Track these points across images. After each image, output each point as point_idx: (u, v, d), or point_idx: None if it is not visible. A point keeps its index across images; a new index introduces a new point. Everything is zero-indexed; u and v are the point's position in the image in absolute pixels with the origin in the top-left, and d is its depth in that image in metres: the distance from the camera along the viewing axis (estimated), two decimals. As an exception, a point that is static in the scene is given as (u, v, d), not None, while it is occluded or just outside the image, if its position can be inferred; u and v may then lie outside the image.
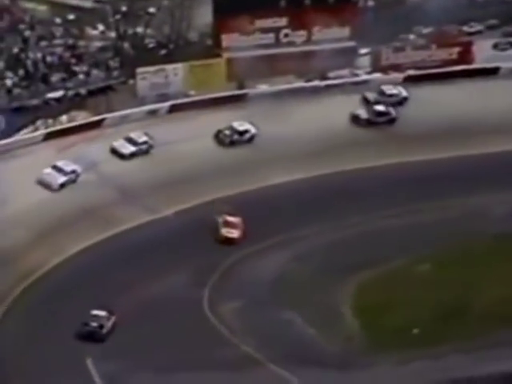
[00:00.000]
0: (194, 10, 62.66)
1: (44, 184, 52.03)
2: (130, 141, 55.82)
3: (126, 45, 62.01)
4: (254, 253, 50.91)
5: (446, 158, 58.23)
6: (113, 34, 62.43)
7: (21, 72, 58.06)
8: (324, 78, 63.29)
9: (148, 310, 46.16)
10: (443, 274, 49.31)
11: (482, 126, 59.89)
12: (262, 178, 54.85)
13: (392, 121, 60.62)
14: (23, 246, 48.77)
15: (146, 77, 59.71)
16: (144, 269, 48.05)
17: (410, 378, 43.82)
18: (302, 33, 63.00)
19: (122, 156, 55.16)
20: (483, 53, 65.42)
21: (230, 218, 51.03)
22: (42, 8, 62.74)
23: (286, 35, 62.86)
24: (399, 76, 64.44)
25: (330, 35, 62.96)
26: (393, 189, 54.62)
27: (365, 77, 64.11)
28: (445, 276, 49.13)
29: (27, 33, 60.20)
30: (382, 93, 61.95)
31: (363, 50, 64.30)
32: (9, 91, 56.98)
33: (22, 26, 60.61)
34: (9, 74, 57.68)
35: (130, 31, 62.42)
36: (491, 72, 64.98)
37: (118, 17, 62.53)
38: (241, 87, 61.95)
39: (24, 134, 56.23)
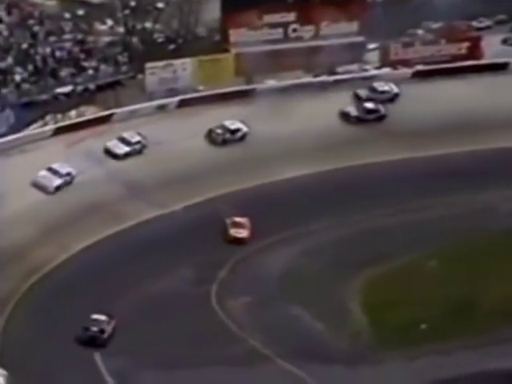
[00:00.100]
0: (202, 5, 62.61)
1: (39, 187, 51.66)
2: (124, 141, 55.51)
3: (135, 40, 62.00)
4: (261, 249, 51.01)
5: (453, 153, 58.13)
6: (121, 29, 62.39)
7: (30, 67, 58.09)
8: (332, 73, 63.23)
9: (156, 305, 46.21)
10: (451, 270, 49.28)
11: (490, 121, 59.78)
12: (261, 176, 54.72)
13: (381, 118, 60.40)
14: (31, 242, 48.89)
15: (155, 72, 59.72)
16: (151, 265, 48.24)
17: (418, 374, 43.83)
18: (311, 28, 62.91)
19: (115, 156, 54.86)
20: (492, 48, 65.27)
21: (238, 219, 51.20)
22: (51, 3, 62.75)
23: (295, 30, 62.79)
24: (408, 71, 64.34)
25: (338, 30, 62.88)
26: (400, 185, 54.60)
27: (373, 72, 64.03)
28: (452, 272, 49.09)
29: (36, 28, 60.21)
30: (373, 89, 61.69)
31: (372, 45, 64.19)
32: (18, 86, 57.03)
33: (31, 21, 60.59)
34: (18, 69, 57.73)
35: (139, 26, 62.40)
36: (500, 67, 64.84)
37: (126, 12, 62.52)
38: (249, 82, 61.94)
39: (33, 129, 56.34)
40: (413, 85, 62.90)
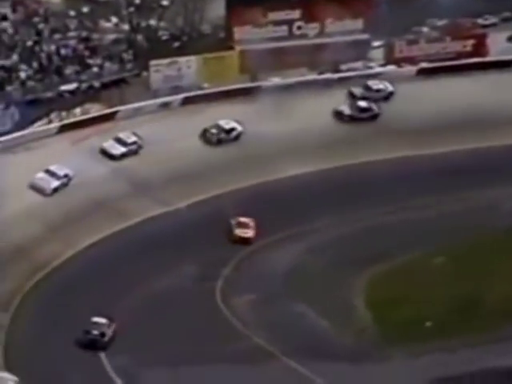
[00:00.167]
0: (206, 3, 62.64)
1: (37, 189, 51.44)
2: (120, 141, 55.34)
3: (140, 37, 62.03)
4: (265, 246, 51.03)
5: (459, 150, 58.11)
6: (126, 27, 62.42)
7: (35, 64, 58.13)
8: (337, 70, 63.19)
9: (160, 302, 46.25)
10: (455, 267, 49.23)
11: (495, 118, 59.73)
12: (263, 174, 54.70)
13: (375, 117, 60.26)
14: (37, 240, 48.96)
15: (160, 69, 59.74)
16: (155, 262, 48.28)
17: (422, 372, 43.80)
18: (315, 25, 62.91)
19: (112, 157, 54.70)
20: (497, 45, 65.19)
21: (243, 219, 51.22)
22: (56, 0, 62.79)
23: (299, 28, 62.79)
24: (412, 69, 64.27)
25: (343, 28, 62.87)
26: (404, 183, 54.60)
27: (378, 69, 63.96)
28: (457, 270, 49.04)
29: (41, 25, 60.25)
30: (368, 88, 61.57)
31: (377, 43, 64.16)
32: (23, 84, 57.08)
33: (36, 19, 60.64)
34: (23, 66, 57.78)
35: (144, 24, 62.41)
36: (505, 64, 64.71)
37: (131, 9, 62.55)
38: (254, 80, 61.91)
39: (38, 127, 56.39)
40: (417, 82, 62.85)
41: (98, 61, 59.84)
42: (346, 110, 60.18)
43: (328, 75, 62.85)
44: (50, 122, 56.70)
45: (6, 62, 57.41)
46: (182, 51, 61.22)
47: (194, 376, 42.70)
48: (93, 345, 42.89)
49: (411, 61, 64.71)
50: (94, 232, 50.06)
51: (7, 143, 54.40)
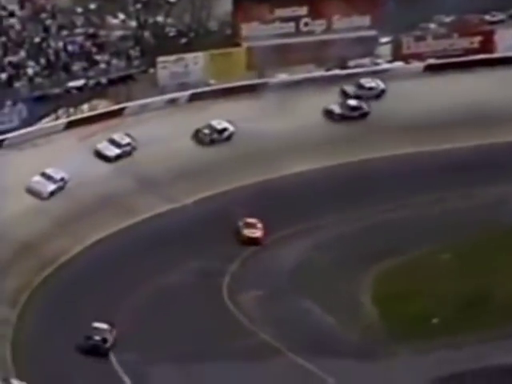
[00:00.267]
0: (213, -1, 62.76)
1: (33, 192, 51.20)
2: (114, 143, 55.20)
3: (147, 34, 62.09)
4: (272, 242, 51.05)
5: (464, 147, 58.03)
6: (133, 23, 62.50)
7: (42, 61, 58.23)
8: (344, 67, 63.13)
9: (167, 298, 46.32)
10: (462, 264, 49.17)
11: (502, 114, 59.64)
12: (267, 172, 54.80)
13: (364, 115, 60.05)
14: (44, 235, 49.09)
15: (167, 66, 59.79)
16: (162, 258, 48.35)
17: (429, 368, 43.75)
18: (322, 22, 62.88)
19: (106, 158, 54.52)
20: (505, 42, 65.06)
21: (250, 219, 51.23)
22: (64, -3, 62.96)
23: (306, 24, 62.76)
24: (420, 65, 64.17)
25: (350, 24, 62.82)
26: (411, 179, 54.61)
27: (385, 66, 63.90)
28: (464, 266, 48.97)
29: (49, 22, 60.33)
30: (360, 86, 61.36)
31: (384, 39, 64.07)
32: (30, 80, 57.18)
33: (43, 15, 60.72)
34: (30, 62, 57.88)
35: (151, 20, 62.47)
36: (513, 61, 64.67)
37: (138, 6, 62.61)
38: (261, 76, 61.91)
39: (46, 123, 56.50)
40: (424, 79, 62.77)
41: (106, 57, 59.90)
42: (337, 108, 59.93)
43: (335, 71, 62.82)
44: (58, 118, 56.80)
45: (14, 59, 57.50)
46: (188, 48, 61.25)
47: (200, 372, 42.68)
48: (95, 350, 42.48)
49: (419, 57, 64.63)
50: (101, 228, 50.15)
51: (15, 140, 54.50)
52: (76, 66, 58.79)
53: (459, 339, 44.82)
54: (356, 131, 59.04)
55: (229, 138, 57.42)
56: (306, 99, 59.20)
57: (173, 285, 47.32)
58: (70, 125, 56.47)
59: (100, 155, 54.72)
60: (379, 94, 61.31)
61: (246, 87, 60.35)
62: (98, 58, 59.72)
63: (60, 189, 51.78)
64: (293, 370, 43.57)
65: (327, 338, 45.41)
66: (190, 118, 57.73)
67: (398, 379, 43.04)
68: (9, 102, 55.15)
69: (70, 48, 59.31)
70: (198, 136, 57.29)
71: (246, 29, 61.76)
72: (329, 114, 59.96)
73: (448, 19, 66.80)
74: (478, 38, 65.26)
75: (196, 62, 60.50)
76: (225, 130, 57.43)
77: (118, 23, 62.48)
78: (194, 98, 59.68)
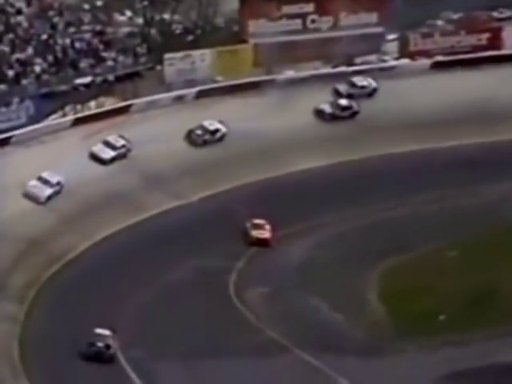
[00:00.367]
0: (220, -4, 62.75)
1: (30, 197, 50.91)
2: (109, 145, 55.02)
3: (154, 31, 62.13)
4: (279, 240, 51.09)
5: (470, 144, 57.96)
6: (140, 21, 62.54)
7: (50, 58, 58.32)
8: (351, 64, 63.09)
9: (174, 295, 46.40)
10: (468, 260, 49.14)
11: (508, 111, 59.53)
12: (272, 169, 54.82)
13: (354, 114, 59.89)
14: (53, 232, 49.22)
15: (173, 63, 59.82)
16: (169, 254, 48.41)
17: (435, 365, 43.75)
18: (329, 18, 62.83)
19: (101, 161, 54.35)
20: (513, 39, 64.97)
21: (257, 220, 51.25)
22: (70, -6, 63.01)
23: (313, 21, 62.72)
24: (427, 62, 64.10)
25: (357, 21, 62.77)
26: (415, 176, 54.60)
27: (392, 63, 63.84)
28: (470, 263, 48.94)
29: (56, 19, 60.39)
30: (352, 84, 61.25)
31: (391, 36, 63.99)
32: (38, 77, 57.27)
33: (50, 13, 60.79)
34: (38, 60, 57.98)
35: (157, 17, 62.49)
36: (520, 58, 64.51)
37: (145, 3, 62.64)
38: (268, 73, 61.90)
39: (53, 120, 56.61)
40: (431, 76, 62.70)
41: (112, 54, 59.96)
42: (328, 108, 59.78)
43: (342, 68, 62.78)
44: (65, 115, 56.90)
45: (21, 56, 57.60)
46: (195, 45, 61.26)
47: (207, 369, 42.69)
48: (98, 357, 42.07)
49: (426, 54, 64.53)
50: (108, 225, 50.25)
51: (22, 136, 54.62)
52: (83, 63, 58.86)
53: (465, 336, 44.77)
54: (357, 129, 58.95)
55: (221, 138, 57.23)
56: (311, 96, 59.19)
57: (179, 282, 47.36)
58: (77, 122, 56.55)
59: (95, 158, 54.42)
60: (371, 93, 61.15)
61: (252, 84, 60.34)
62: (104, 55, 59.79)
63: (57, 193, 51.51)
64: (299, 367, 43.61)
65: (333, 334, 45.43)
66: (196, 115, 57.75)
67: (405, 376, 43.01)
68: (16, 99, 55.25)
69: (77, 45, 59.38)
70: (190, 137, 56.98)
71: (253, 26, 61.75)
72: (319, 113, 59.73)
73: (455, 16, 66.64)
74: (485, 35, 65.08)
75: (203, 58, 60.52)
76: (217, 130, 57.21)
77: (124, 20, 62.53)
78: (200, 94, 59.72)
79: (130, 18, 62.67)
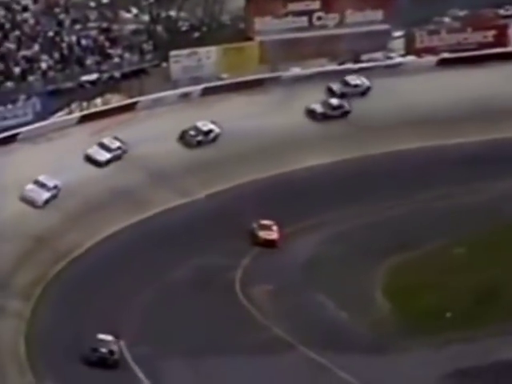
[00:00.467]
0: (226, -7, 62.77)
1: (27, 201, 50.56)
2: (104, 147, 54.78)
3: (160, 28, 62.18)
4: (285, 237, 51.15)
5: (475, 141, 57.93)
6: (146, 18, 62.60)
7: (56, 55, 58.41)
8: (357, 61, 63.06)
9: (180, 292, 46.49)
10: (474, 257, 49.13)
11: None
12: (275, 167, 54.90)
13: (345, 114, 59.74)
14: (58, 229, 49.35)
15: (179, 60, 59.86)
16: (174, 252, 48.51)
17: (440, 362, 43.79)
18: (335, 16, 62.81)
19: (97, 163, 54.06)
20: (519, 36, 64.87)
21: (265, 221, 51.23)
22: (77, -9, 63.06)
23: (319, 18, 62.71)
24: (433, 59, 64.05)
25: (363, 18, 62.74)
26: (420, 173, 54.58)
27: (398, 60, 63.81)
28: (476, 260, 48.94)
29: (62, 16, 60.48)
30: (345, 83, 61.10)
31: (397, 33, 63.95)
32: (44, 74, 57.38)
33: (56, 10, 60.87)
34: (44, 57, 58.09)
35: (163, 14, 62.53)
36: (527, 55, 64.44)
37: (151, 0, 62.71)
38: (274, 70, 61.91)
39: (59, 117, 56.74)
40: (437, 73, 62.67)
41: (118, 51, 60.01)
42: (319, 108, 59.61)
43: (348, 65, 62.75)
44: (71, 112, 57.01)
45: (28, 53, 57.70)
46: (201, 42, 61.28)
47: (213, 366, 42.74)
48: (102, 363, 41.80)
49: (432, 51, 64.47)
50: (113, 222, 50.38)
51: (29, 134, 54.75)
52: (89, 60, 58.92)
53: (470, 334, 44.78)
54: (358, 128, 58.93)
55: (214, 139, 57.08)
56: (315, 94, 59.19)
57: (184, 279, 47.39)
58: (83, 119, 56.67)
59: (90, 160, 54.15)
60: (364, 92, 60.99)
61: (258, 81, 60.35)
62: (111, 52, 59.83)
63: (54, 197, 51.22)
64: (305, 364, 43.67)
65: (339, 332, 45.48)
66: (201, 113, 57.81)
67: (409, 373, 43.06)
68: (23, 96, 55.33)
69: (83, 42, 59.45)
70: (184, 138, 56.81)
71: (259, 23, 61.74)
72: (311, 113, 59.60)
73: (462, 13, 66.55)
74: (491, 32, 65.01)
75: (209, 56, 60.53)
76: (210, 131, 57.10)
77: (130, 17, 62.59)
78: (206, 92, 59.78)
79: (136, 15, 62.73)
